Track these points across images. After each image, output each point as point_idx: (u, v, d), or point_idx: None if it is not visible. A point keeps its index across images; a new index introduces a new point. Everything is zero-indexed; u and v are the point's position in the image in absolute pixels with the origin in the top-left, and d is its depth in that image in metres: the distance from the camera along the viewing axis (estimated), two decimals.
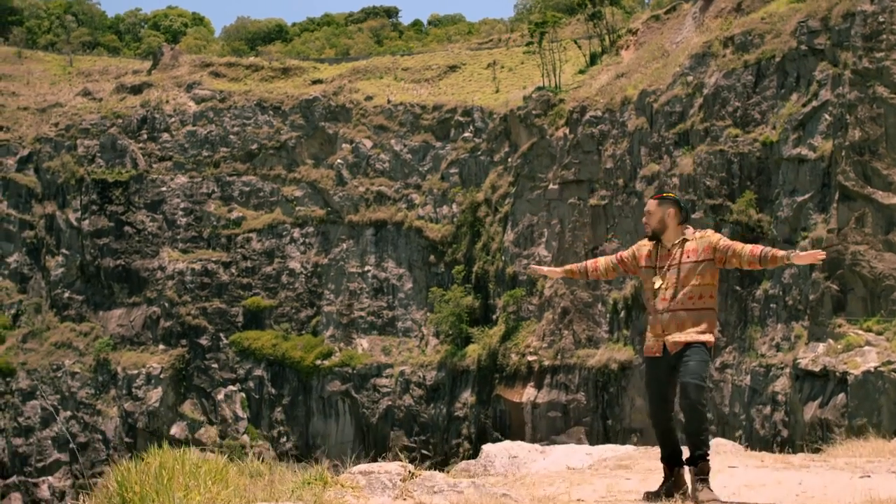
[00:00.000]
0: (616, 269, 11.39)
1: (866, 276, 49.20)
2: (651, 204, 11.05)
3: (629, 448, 12.80)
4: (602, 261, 11.52)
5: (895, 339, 46.37)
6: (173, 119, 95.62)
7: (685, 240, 10.75)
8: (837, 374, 46.88)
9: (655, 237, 10.98)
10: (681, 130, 64.87)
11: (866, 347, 46.52)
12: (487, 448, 12.98)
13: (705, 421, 10.31)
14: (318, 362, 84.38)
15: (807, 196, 54.14)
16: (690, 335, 10.45)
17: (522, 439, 70.65)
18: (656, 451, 11.28)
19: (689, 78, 65.33)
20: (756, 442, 52.94)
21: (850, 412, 45.76)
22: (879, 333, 47.33)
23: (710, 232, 10.87)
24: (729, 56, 62.79)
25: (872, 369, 45.51)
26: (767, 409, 52.43)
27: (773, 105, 58.65)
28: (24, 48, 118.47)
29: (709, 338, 10.48)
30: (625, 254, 11.30)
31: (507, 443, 13.26)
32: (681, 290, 10.57)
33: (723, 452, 13.61)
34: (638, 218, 66.68)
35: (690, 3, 78.06)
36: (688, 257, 10.64)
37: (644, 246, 11.13)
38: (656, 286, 10.74)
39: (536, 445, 13.16)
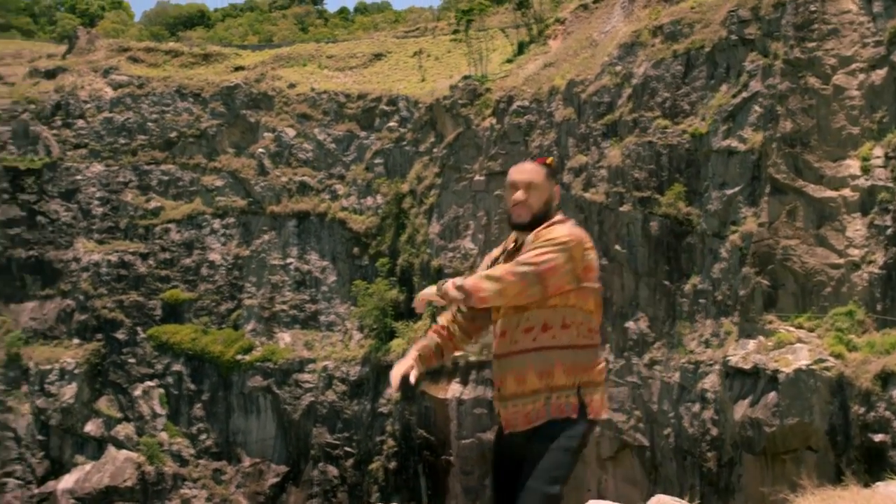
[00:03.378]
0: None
1: (797, 271, 48.25)
2: (533, 171, 7.36)
3: None
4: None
5: (827, 337, 45.47)
6: (89, 105, 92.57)
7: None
8: (768, 371, 45.86)
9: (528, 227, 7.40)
10: (609, 121, 63.66)
11: (798, 345, 45.57)
12: None
13: None
14: (239, 357, 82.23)
15: (737, 189, 53.11)
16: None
17: (448, 437, 69.41)
18: None
19: (618, 68, 64.13)
20: (685, 440, 51.95)
21: (781, 411, 44.81)
22: (811, 330, 46.41)
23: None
24: (658, 46, 61.65)
25: (804, 367, 44.55)
26: (696, 407, 51.39)
27: (702, 96, 57.59)
28: None
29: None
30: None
31: None
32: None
33: None
34: (566, 211, 65.36)
35: None
36: None
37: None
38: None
39: None
